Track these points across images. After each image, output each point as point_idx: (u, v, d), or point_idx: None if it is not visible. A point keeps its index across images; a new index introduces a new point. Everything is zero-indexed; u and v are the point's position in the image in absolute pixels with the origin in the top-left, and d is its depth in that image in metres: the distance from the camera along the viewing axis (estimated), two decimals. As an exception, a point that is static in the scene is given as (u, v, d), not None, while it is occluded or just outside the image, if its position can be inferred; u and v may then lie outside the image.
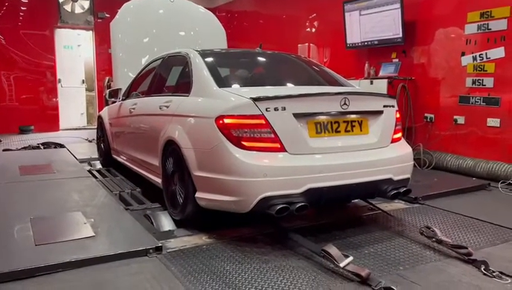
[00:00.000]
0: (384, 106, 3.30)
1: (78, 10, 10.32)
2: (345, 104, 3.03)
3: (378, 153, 3.19)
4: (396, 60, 6.39)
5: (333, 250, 2.56)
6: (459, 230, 3.36)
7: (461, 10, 5.47)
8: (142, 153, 4.29)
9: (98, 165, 6.02)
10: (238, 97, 2.96)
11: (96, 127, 6.34)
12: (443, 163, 5.56)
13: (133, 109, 4.51)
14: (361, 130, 3.18)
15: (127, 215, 3.50)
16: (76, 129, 10.47)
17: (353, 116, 3.16)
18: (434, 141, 5.85)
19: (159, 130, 3.71)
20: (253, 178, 2.77)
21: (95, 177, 5.18)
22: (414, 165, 5.62)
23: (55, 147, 7.23)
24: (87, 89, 11.27)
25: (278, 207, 2.76)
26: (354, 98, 3.11)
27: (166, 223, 3.51)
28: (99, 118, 5.93)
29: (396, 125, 3.39)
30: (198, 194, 3.12)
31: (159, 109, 3.78)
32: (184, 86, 3.61)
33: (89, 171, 5.48)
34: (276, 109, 2.86)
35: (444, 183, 4.85)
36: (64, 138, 8.53)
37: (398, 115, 3.46)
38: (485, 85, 5.26)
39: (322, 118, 3.03)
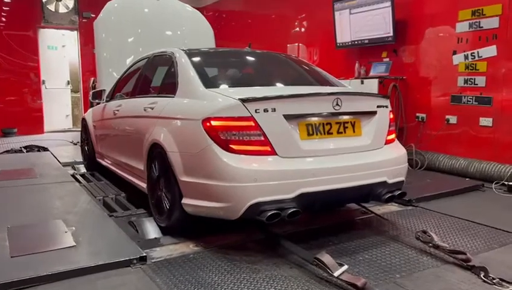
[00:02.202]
0: (378, 107, 3.19)
1: (62, 10, 10.09)
2: (337, 104, 2.91)
3: (372, 155, 3.07)
4: (387, 59, 6.30)
5: (326, 258, 2.43)
6: (455, 233, 3.26)
7: (452, 8, 5.39)
8: (126, 157, 4.12)
9: (82, 169, 5.83)
10: (225, 98, 2.82)
11: (80, 129, 6.15)
12: (435, 163, 5.48)
13: (117, 110, 4.34)
14: (354, 132, 3.06)
15: (111, 222, 3.34)
16: (61, 131, 10.23)
17: (346, 117, 3.04)
18: (426, 141, 5.77)
19: (143, 133, 3.55)
20: (242, 183, 2.63)
21: (79, 181, 5.01)
22: (406, 166, 5.64)
23: (38, 151, 7.02)
24: (72, 91, 11.03)
25: (269, 213, 2.63)
26: (347, 99, 2.99)
27: (151, 230, 3.35)
28: (83, 120, 5.75)
29: (390, 126, 3.28)
30: (184, 200, 2.97)
31: (144, 111, 3.63)
32: (170, 87, 3.46)
33: (73, 175, 5.30)
34: (265, 111, 2.72)
35: (437, 184, 4.77)
36: (48, 141, 8.32)
37: (391, 116, 3.35)
38: (477, 84, 5.19)
39: (314, 119, 2.91)
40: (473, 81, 5.22)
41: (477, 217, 3.59)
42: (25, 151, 6.93)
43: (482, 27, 5.08)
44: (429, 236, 2.85)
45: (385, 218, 3.54)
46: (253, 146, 2.72)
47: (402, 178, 3.24)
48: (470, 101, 5.27)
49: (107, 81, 5.17)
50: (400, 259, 2.77)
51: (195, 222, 3.09)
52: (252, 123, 2.70)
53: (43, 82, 10.15)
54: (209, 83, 3.18)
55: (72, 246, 2.78)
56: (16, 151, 6.82)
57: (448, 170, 5.32)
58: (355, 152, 3.02)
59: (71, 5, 10.12)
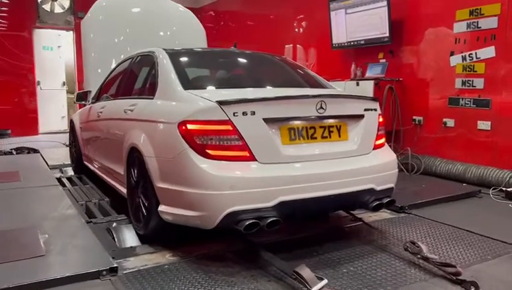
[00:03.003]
0: (366, 110, 3.03)
1: (58, 10, 9.97)
2: (321, 107, 2.76)
3: (358, 161, 2.92)
4: (384, 60, 6.14)
5: (306, 272, 2.28)
6: (447, 243, 3.10)
7: (450, 8, 5.23)
8: (108, 161, 3.99)
9: (70, 172, 5.70)
10: (202, 100, 2.67)
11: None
12: (432, 168, 5.31)
13: (101, 112, 4.21)
14: (339, 136, 2.91)
15: (87, 230, 3.19)
16: (56, 133, 10.09)
17: (331, 121, 2.89)
18: (423, 145, 5.60)
19: (123, 136, 3.41)
20: (218, 191, 2.48)
21: (64, 185, 4.88)
22: (402, 170, 5.47)
23: (28, 153, 6.89)
24: (68, 92, 10.91)
25: (247, 223, 2.48)
26: (332, 102, 2.83)
27: (129, 238, 3.21)
28: (71, 122, 5.62)
29: (379, 131, 3.12)
30: (161, 208, 2.82)
31: (124, 113, 3.49)
32: (150, 88, 3.33)
33: (59, 178, 5.16)
34: (244, 114, 2.57)
35: (432, 190, 4.60)
36: (42, 142, 8.21)
37: (381, 119, 3.19)
38: (475, 86, 5.02)
39: (296, 123, 2.75)
40: (470, 83, 5.06)
41: (472, 226, 3.43)
42: (14, 153, 6.80)
43: (480, 27, 4.92)
44: (418, 247, 2.69)
45: (373, 226, 3.37)
46: (230, 151, 2.57)
47: (391, 185, 3.09)
48: (467, 104, 5.10)
49: (94, 82, 5.03)
50: (386, 271, 2.61)
51: (174, 230, 2.95)
52: (229, 127, 2.56)
53: (38, 83, 10.03)
54: (189, 84, 3.03)
55: (41, 256, 2.64)
56: (5, 153, 6.69)
57: (445, 175, 5.16)
58: (341, 158, 2.86)
59: (67, 5, 10.00)
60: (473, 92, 5.05)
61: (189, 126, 2.60)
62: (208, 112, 2.58)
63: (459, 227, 3.43)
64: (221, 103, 2.56)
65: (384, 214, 3.79)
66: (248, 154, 2.58)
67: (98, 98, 4.71)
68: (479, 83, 4.97)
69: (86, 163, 5.16)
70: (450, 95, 5.29)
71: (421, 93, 5.70)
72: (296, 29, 8.11)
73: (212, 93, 2.81)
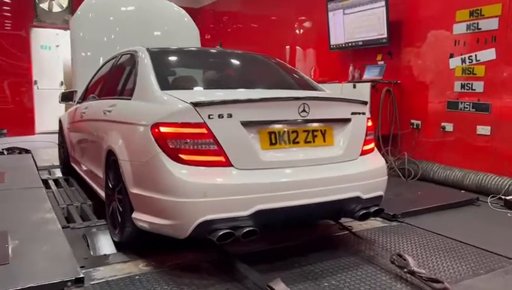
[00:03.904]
0: (353, 113, 2.87)
1: (56, 9, 9.88)
2: (304, 110, 2.60)
3: (344, 167, 2.76)
4: (382, 62, 5.97)
5: (280, 286, 2.13)
6: (439, 255, 2.93)
7: (450, 8, 5.05)
8: (90, 163, 3.86)
9: (58, 174, 5.58)
10: (177, 102, 2.52)
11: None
12: (429, 174, 5.13)
13: (84, 113, 4.08)
14: (324, 141, 2.75)
15: (62, 236, 3.03)
16: (52, 133, 9.96)
17: (315, 124, 2.73)
18: (421, 150, 5.42)
19: (102, 138, 3.28)
20: (190, 199, 2.33)
21: (49, 187, 4.75)
22: (398, 176, 5.30)
23: (19, 153, 6.77)
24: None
25: (220, 233, 2.33)
26: (316, 104, 2.68)
27: (105, 245, 3.06)
28: (60, 121, 5.50)
29: (367, 135, 2.96)
30: (135, 215, 2.68)
31: (103, 114, 3.35)
32: (129, 89, 3.18)
33: (45, 180, 5.04)
34: (220, 116, 2.42)
35: (428, 197, 4.43)
36: (37, 142, 8.12)
37: (370, 123, 3.03)
38: (474, 90, 4.84)
39: (277, 127, 2.60)
40: (470, 86, 4.88)
41: (467, 236, 3.26)
42: (5, 153, 6.68)
43: (480, 29, 4.74)
44: (405, 260, 2.53)
45: (360, 236, 3.20)
46: (205, 156, 2.42)
47: (380, 193, 2.92)
48: (467, 108, 4.92)
49: (82, 81, 4.90)
50: (370, 286, 2.45)
51: (150, 237, 2.80)
52: (204, 130, 2.41)
53: (35, 82, 9.95)
54: (167, 84, 2.89)
55: (5, 264, 2.50)
56: (-4, 154, 6.58)
57: (442, 181, 4.98)
58: (325, 164, 2.70)
59: (65, 4, 9.90)
60: (472, 95, 4.87)
61: (162, 129, 2.45)
62: (182, 114, 2.43)
63: (452, 238, 3.26)
64: (196, 105, 2.41)
65: (376, 223, 3.63)
66: (224, 160, 2.43)
67: (84, 98, 4.58)
68: (478, 86, 4.79)
69: (72, 164, 5.03)
70: (449, 99, 5.12)
71: (419, 97, 5.52)
72: (297, 30, 7.94)
73: (190, 94, 2.66)
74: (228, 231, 2.34)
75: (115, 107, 3.20)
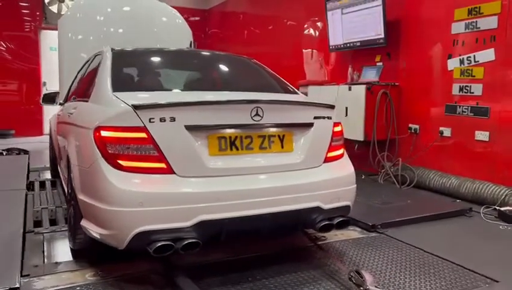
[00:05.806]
0: (316, 118, 2.67)
1: (65, 11, 9.95)
2: (257, 114, 2.43)
3: (303, 175, 2.57)
4: (380, 63, 5.72)
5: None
6: (410, 272, 2.70)
7: (448, 7, 4.78)
8: (63, 165, 3.78)
9: (48, 176, 5.55)
10: (119, 103, 2.39)
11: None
12: (426, 181, 4.87)
13: (59, 115, 4.02)
14: (282, 147, 2.57)
15: (18, 241, 2.96)
16: (60, 134, 10.10)
17: (272, 129, 2.55)
18: (418, 155, 5.15)
19: (65, 141, 3.18)
20: (126, 208, 2.19)
21: (33, 189, 4.72)
22: (393, 183, 5.05)
23: (18, 154, 6.81)
24: (75, 93, 10.90)
25: (158, 245, 2.18)
26: (272, 108, 2.50)
27: (61, 252, 2.96)
28: (50, 122, 5.46)
29: (333, 141, 2.76)
30: (83, 222, 2.56)
31: (68, 117, 3.26)
32: (90, 90, 3.07)
33: (32, 182, 5.01)
34: (162, 120, 2.28)
35: (417, 206, 4.16)
36: (43, 143, 8.16)
37: (338, 128, 2.83)
38: (473, 93, 4.56)
39: (228, 131, 2.44)
40: (468, 89, 4.60)
41: (448, 251, 3.02)
42: (4, 154, 6.74)
43: (479, 28, 4.46)
44: (362, 278, 2.33)
45: (324, 249, 3.00)
46: (145, 163, 2.28)
47: (346, 203, 2.72)
48: (465, 112, 4.64)
49: (67, 82, 4.84)
50: (321, 305, 2.26)
51: (101, 245, 2.68)
52: (144, 135, 2.27)
53: (44, 84, 10.06)
54: (121, 86, 2.75)
55: None
56: (-6, 154, 6.64)
57: (438, 189, 4.71)
58: (281, 171, 2.53)
59: (74, 6, 9.98)
60: (470, 98, 4.59)
61: (103, 133, 2.32)
62: (122, 117, 2.30)
63: (431, 252, 3.02)
64: (136, 107, 2.27)
65: (353, 233, 3.42)
66: (165, 167, 2.28)
67: (67, 99, 4.51)
68: (477, 89, 4.50)
69: (58, 166, 4.98)
70: (447, 102, 4.84)
71: (417, 99, 5.26)
72: (306, 31, 7.64)
73: (137, 97, 2.52)
74: (166, 243, 2.19)
75: (75, 110, 3.10)
